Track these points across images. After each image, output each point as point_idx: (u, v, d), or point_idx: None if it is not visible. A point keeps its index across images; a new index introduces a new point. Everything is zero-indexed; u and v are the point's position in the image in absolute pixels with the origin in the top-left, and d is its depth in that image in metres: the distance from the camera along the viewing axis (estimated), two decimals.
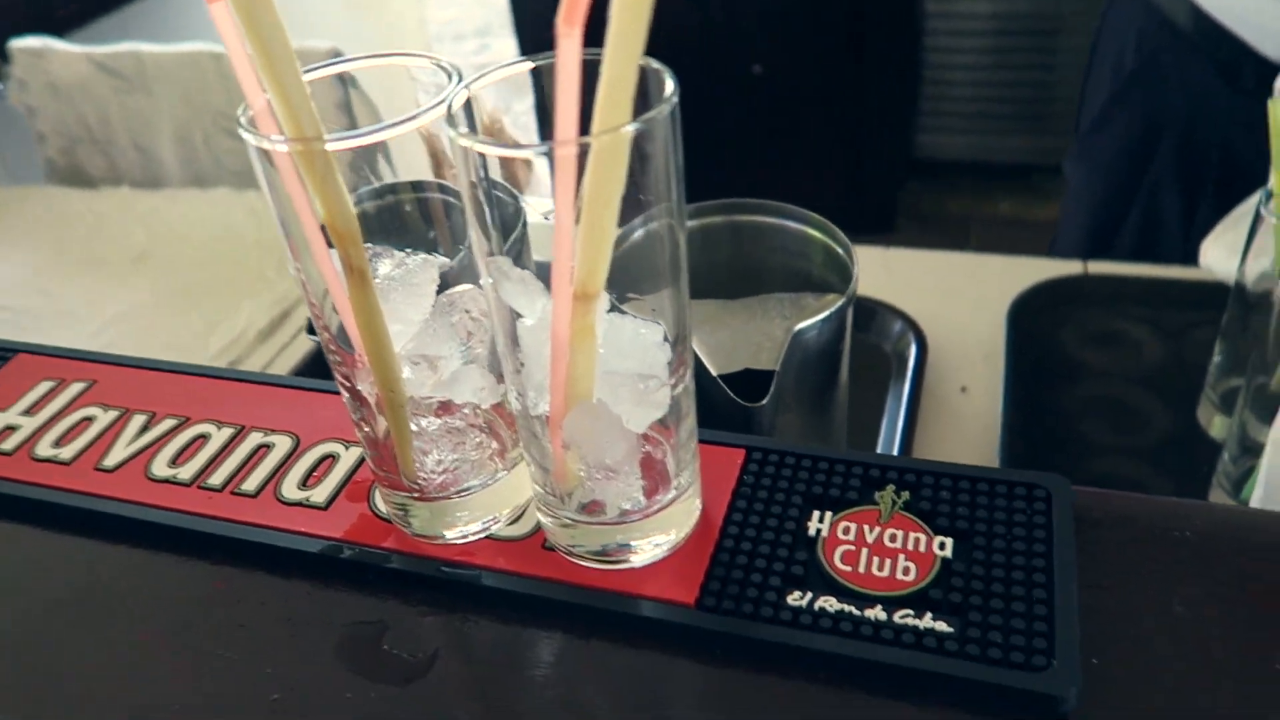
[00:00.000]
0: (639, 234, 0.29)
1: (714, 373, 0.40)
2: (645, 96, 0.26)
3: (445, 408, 0.33)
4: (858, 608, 0.30)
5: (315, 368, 0.68)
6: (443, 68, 0.29)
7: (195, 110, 0.99)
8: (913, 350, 0.64)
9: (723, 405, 0.40)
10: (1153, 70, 0.76)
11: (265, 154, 0.27)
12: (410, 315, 0.32)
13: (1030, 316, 0.66)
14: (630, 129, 0.24)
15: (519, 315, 0.29)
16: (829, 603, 0.30)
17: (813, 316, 0.42)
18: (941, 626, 0.29)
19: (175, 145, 1.01)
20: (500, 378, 0.32)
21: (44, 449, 0.40)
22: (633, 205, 0.27)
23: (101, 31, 1.21)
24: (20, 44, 1.07)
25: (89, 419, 0.42)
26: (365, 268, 0.29)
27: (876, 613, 0.29)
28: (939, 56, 2.02)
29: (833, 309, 0.42)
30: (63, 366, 0.45)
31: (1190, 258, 0.65)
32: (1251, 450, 0.49)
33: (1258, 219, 0.50)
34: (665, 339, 0.30)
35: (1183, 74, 0.74)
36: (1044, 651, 0.27)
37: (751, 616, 0.30)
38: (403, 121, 0.26)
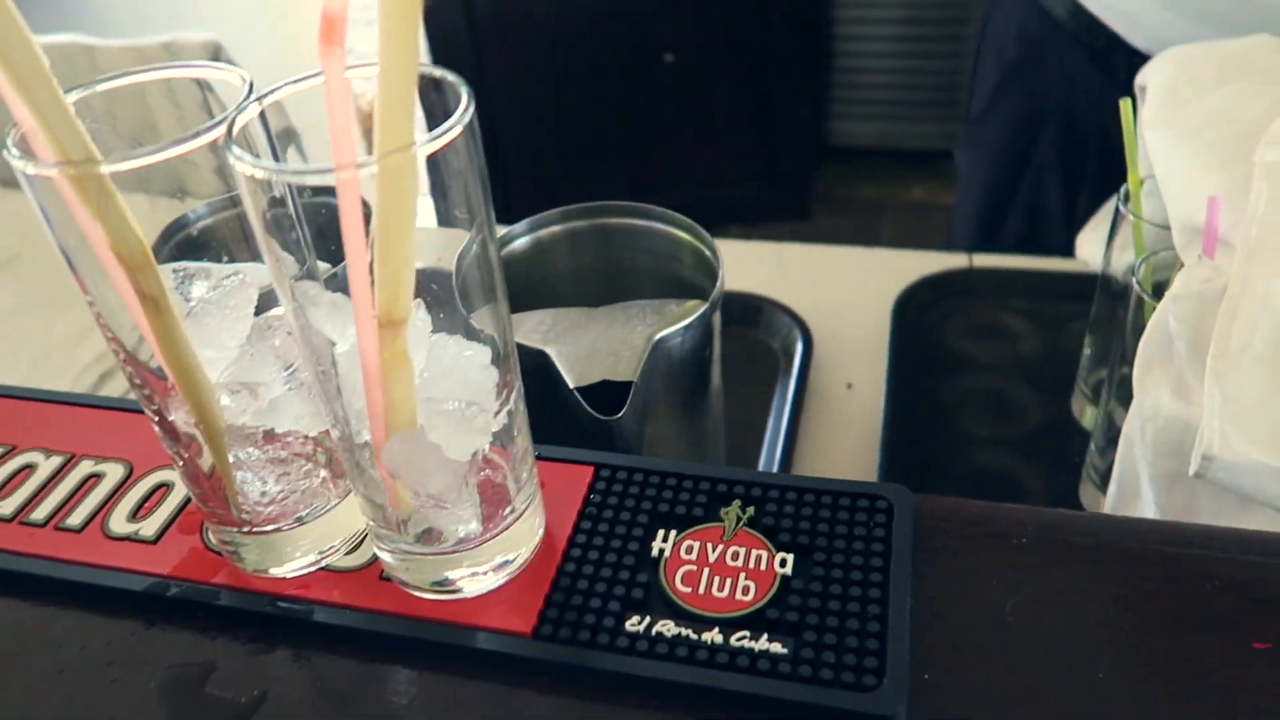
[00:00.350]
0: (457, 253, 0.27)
1: (571, 384, 0.39)
2: (445, 111, 0.25)
3: (271, 436, 0.32)
4: (695, 631, 0.29)
5: None
6: (237, 79, 0.27)
7: None
8: (799, 347, 0.64)
9: (580, 419, 0.39)
10: (1034, 60, 0.77)
11: (38, 179, 0.25)
12: (225, 341, 0.30)
13: (915, 311, 0.66)
14: (415, 149, 0.22)
15: (333, 341, 0.28)
16: (667, 627, 0.29)
17: (675, 324, 0.41)
18: (776, 648, 0.28)
19: None
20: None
21: None
22: (441, 225, 0.26)
23: None
24: None
25: None
26: (160, 294, 0.27)
27: (713, 636, 0.29)
28: (850, 45, 2.04)
29: (694, 316, 0.41)
30: None
31: (1072, 247, 0.66)
32: (1116, 441, 0.50)
33: (1119, 215, 0.51)
34: (493, 361, 0.29)
35: (1062, 64, 0.74)
36: (875, 671, 0.27)
37: (588, 644, 0.29)
38: (181, 141, 0.24)
